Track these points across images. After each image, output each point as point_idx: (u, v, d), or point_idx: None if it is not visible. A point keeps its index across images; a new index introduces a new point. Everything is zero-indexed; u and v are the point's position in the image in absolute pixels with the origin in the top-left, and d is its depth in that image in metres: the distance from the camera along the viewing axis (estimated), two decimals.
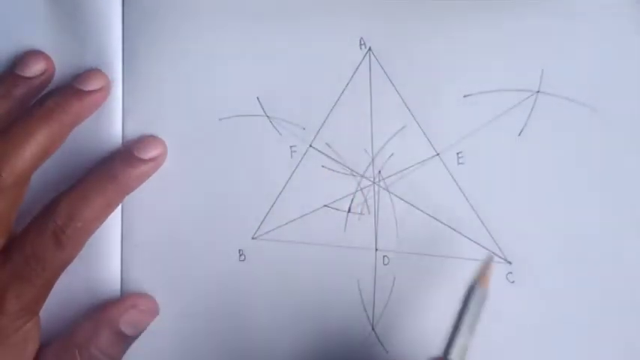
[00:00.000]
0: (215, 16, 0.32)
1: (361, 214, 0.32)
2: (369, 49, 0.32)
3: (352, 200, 0.32)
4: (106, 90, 0.32)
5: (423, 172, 0.32)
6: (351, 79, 0.32)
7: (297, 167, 0.32)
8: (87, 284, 0.32)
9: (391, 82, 0.32)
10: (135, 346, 0.32)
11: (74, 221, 0.29)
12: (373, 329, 0.31)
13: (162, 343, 0.32)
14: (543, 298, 0.31)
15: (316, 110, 0.32)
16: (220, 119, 0.33)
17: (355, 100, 0.32)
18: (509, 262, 0.31)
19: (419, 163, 0.32)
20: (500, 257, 0.31)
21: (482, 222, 0.31)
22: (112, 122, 0.32)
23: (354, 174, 0.32)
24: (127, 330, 0.31)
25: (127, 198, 0.32)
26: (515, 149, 0.32)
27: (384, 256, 0.32)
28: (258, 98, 0.32)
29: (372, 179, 0.32)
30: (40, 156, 0.30)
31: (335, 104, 0.32)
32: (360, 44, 0.32)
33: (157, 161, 0.32)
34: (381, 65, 0.32)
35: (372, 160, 0.32)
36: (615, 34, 0.31)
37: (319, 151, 0.32)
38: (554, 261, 0.31)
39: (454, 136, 0.32)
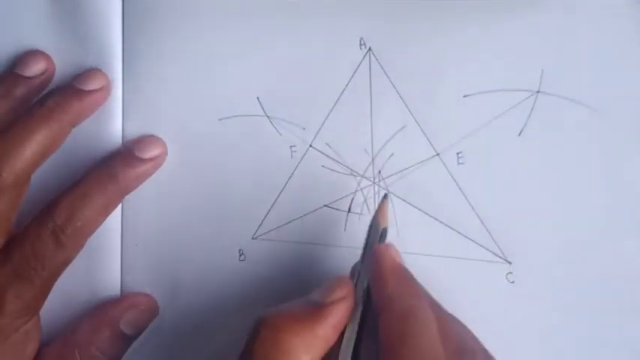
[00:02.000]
0: (215, 16, 0.32)
1: (361, 214, 0.32)
2: (369, 49, 0.32)
3: (352, 200, 0.32)
4: (106, 90, 0.32)
5: (423, 172, 0.32)
6: (351, 79, 0.32)
7: (297, 167, 0.32)
8: (87, 284, 0.32)
9: (391, 82, 0.32)
10: (135, 346, 0.32)
11: (74, 221, 0.29)
12: None
13: (162, 343, 0.32)
14: (543, 298, 0.31)
15: (316, 110, 0.32)
16: (220, 119, 0.33)
17: (355, 100, 0.32)
18: (509, 262, 0.31)
19: (419, 163, 0.32)
20: (500, 257, 0.31)
21: (482, 222, 0.31)
22: (112, 122, 0.32)
23: (354, 174, 0.32)
24: (126, 330, 0.31)
25: (127, 198, 0.32)
26: (515, 149, 0.32)
27: None
28: (258, 98, 0.33)
29: (372, 179, 0.32)
30: (40, 156, 0.30)
31: (335, 104, 0.32)
32: (360, 44, 0.32)
33: (156, 161, 0.32)
34: (381, 65, 0.32)
35: (372, 160, 0.32)
36: (615, 34, 0.31)
37: (319, 151, 0.32)
38: (554, 261, 0.31)
39: (454, 136, 0.32)
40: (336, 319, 0.25)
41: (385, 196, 0.29)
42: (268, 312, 0.25)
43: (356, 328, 0.26)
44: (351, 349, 0.25)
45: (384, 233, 0.28)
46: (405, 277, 0.26)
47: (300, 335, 0.24)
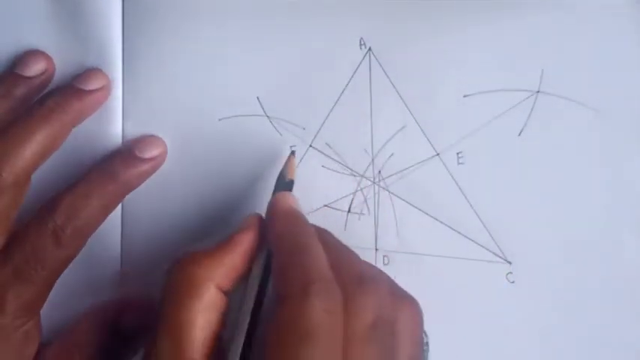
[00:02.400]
0: (215, 16, 0.32)
1: (361, 214, 0.32)
2: (369, 49, 0.32)
3: (352, 200, 0.32)
4: (106, 89, 0.32)
5: (423, 172, 0.32)
6: (351, 79, 0.32)
7: (297, 167, 0.32)
8: (87, 284, 0.32)
9: (391, 82, 0.32)
10: (135, 346, 0.32)
11: (74, 220, 0.29)
12: None
13: None
14: (543, 298, 0.31)
15: (316, 110, 0.32)
16: (220, 119, 0.33)
17: (355, 100, 0.32)
18: (509, 262, 0.31)
19: (419, 163, 0.32)
20: (500, 257, 0.31)
21: (482, 222, 0.31)
22: (112, 122, 0.32)
23: (354, 174, 0.32)
24: (126, 330, 0.31)
25: (127, 198, 0.32)
26: (515, 149, 0.32)
27: (384, 256, 0.32)
28: (258, 98, 0.32)
29: (372, 179, 0.32)
30: (41, 155, 0.30)
31: (335, 104, 0.32)
32: (360, 44, 0.32)
33: (157, 161, 0.32)
34: (381, 65, 0.32)
35: (372, 160, 0.32)
36: (615, 34, 0.31)
37: (319, 151, 0.32)
38: (554, 261, 0.31)
39: (454, 136, 0.32)
40: (242, 246, 0.27)
41: (292, 153, 0.31)
42: (183, 252, 0.26)
43: (262, 262, 0.27)
44: (257, 281, 0.26)
45: (290, 185, 0.30)
46: (296, 218, 0.27)
47: (204, 265, 0.26)
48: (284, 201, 0.28)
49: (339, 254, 0.26)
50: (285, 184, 0.30)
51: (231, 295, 0.26)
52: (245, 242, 0.27)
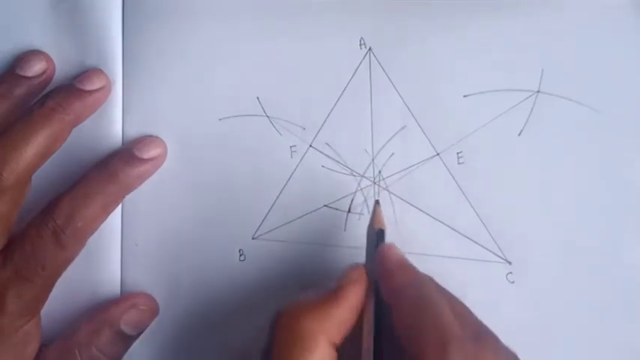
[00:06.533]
0: (215, 16, 0.32)
1: (361, 214, 0.32)
2: (369, 49, 0.32)
3: (352, 200, 0.32)
4: (106, 89, 0.32)
5: (423, 172, 0.32)
6: (351, 79, 0.32)
7: (297, 167, 0.32)
8: (87, 284, 0.32)
9: (391, 82, 0.32)
10: (135, 346, 0.32)
11: (74, 221, 0.29)
12: None
13: (162, 343, 0.32)
14: (543, 298, 0.31)
15: (316, 110, 0.32)
16: (220, 119, 0.33)
17: (355, 100, 0.32)
18: (509, 262, 0.31)
19: (419, 163, 0.32)
20: (500, 257, 0.31)
21: (482, 222, 0.31)
22: (112, 122, 0.32)
23: (354, 174, 0.32)
24: (127, 330, 0.31)
25: (127, 198, 0.32)
26: (515, 149, 0.32)
27: None
28: (258, 98, 0.33)
29: (372, 179, 0.32)
30: (41, 156, 0.30)
31: (335, 104, 0.32)
32: (360, 44, 0.32)
33: (156, 161, 0.32)
34: (381, 65, 0.32)
35: (372, 160, 0.32)
36: (615, 34, 0.31)
37: (319, 151, 0.32)
38: (554, 261, 0.31)
39: (454, 136, 0.32)
40: (351, 300, 0.26)
41: (377, 202, 0.30)
42: (287, 304, 0.25)
43: (372, 313, 0.26)
44: (371, 337, 0.26)
45: (381, 235, 0.29)
46: (410, 268, 0.27)
47: (316, 319, 0.25)
48: (393, 253, 0.27)
49: (454, 304, 0.26)
50: (377, 233, 0.29)
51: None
52: (353, 296, 0.26)
